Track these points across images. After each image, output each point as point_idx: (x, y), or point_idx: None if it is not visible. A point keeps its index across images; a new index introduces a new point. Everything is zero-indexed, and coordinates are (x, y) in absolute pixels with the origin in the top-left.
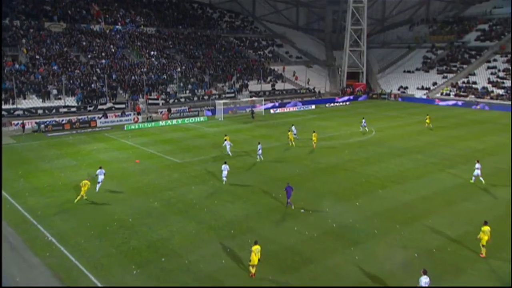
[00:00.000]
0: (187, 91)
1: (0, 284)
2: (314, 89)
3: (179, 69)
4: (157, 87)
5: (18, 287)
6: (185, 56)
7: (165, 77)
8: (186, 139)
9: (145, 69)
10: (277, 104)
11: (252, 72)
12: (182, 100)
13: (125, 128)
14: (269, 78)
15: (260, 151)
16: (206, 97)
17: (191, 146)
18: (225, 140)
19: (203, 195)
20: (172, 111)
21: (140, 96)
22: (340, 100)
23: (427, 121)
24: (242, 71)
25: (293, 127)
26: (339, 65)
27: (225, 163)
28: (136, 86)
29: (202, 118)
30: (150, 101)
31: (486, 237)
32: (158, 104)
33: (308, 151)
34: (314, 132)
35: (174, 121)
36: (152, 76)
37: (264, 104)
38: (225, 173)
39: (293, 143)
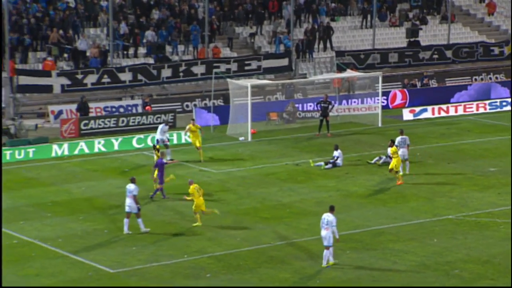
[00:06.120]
0: (134, 51)
1: (0, 284)
2: None
3: None
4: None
5: (18, 287)
6: None
7: None
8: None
9: None
10: (430, 89)
11: None
12: (122, 78)
13: None
14: (399, 7)
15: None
16: (198, 71)
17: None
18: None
19: None
20: (88, 111)
21: None
22: None
23: None
24: None
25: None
26: None
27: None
28: None
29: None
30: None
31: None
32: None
33: None
34: (394, 145)
35: (100, 143)
36: None
37: (382, 95)
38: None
39: None
